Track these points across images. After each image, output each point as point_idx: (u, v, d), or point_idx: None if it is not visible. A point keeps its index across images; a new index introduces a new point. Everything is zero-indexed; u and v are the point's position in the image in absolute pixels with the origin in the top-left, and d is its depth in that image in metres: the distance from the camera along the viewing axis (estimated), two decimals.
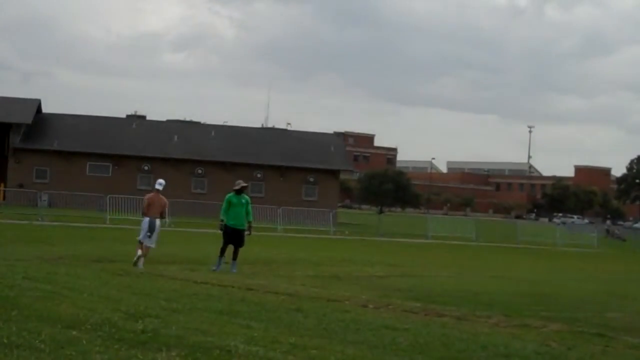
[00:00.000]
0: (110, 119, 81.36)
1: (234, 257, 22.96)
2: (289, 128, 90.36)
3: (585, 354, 11.82)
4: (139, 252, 22.56)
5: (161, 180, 24.17)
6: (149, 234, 22.92)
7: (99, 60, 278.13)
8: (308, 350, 10.06)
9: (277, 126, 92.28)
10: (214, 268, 22.37)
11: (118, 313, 11.85)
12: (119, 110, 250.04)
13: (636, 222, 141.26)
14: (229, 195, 23.34)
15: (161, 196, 23.88)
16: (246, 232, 23.42)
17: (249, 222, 23.48)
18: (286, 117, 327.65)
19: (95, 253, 25.65)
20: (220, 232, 23.28)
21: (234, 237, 23.00)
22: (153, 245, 23.15)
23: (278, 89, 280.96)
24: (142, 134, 77.92)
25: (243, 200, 23.33)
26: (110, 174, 73.31)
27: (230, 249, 23.03)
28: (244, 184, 23.72)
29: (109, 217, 49.96)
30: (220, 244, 23.14)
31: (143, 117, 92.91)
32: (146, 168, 73.89)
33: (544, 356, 11.37)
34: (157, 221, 23.41)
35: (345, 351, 10.21)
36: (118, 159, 73.92)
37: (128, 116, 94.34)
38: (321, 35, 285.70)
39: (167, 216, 23.60)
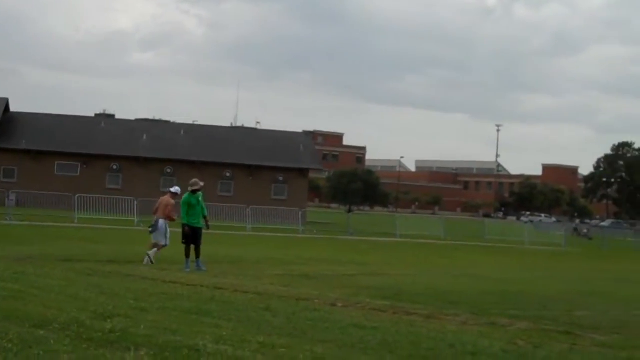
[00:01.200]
0: (78, 118, 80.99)
1: (198, 256, 23.12)
2: (258, 127, 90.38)
3: (552, 352, 11.87)
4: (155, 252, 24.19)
5: (177, 188, 25.20)
6: (150, 229, 24.73)
7: (67, 58, 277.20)
8: (277, 349, 10.08)
9: (246, 125, 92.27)
10: (187, 270, 22.39)
11: (86, 312, 11.83)
12: (88, 109, 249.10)
13: (603, 221, 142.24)
14: (186, 196, 23.51)
15: (169, 198, 24.71)
16: (205, 229, 23.72)
17: (205, 217, 23.73)
18: (255, 116, 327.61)
19: (64, 252, 25.54)
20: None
21: (194, 236, 23.18)
22: (162, 242, 24.50)
23: (247, 88, 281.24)
24: (110, 133, 77.57)
25: (200, 199, 23.57)
26: (78, 173, 72.93)
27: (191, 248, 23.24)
28: (202, 184, 23.91)
29: (77, 216, 49.74)
30: (183, 247, 23.31)
31: (112, 116, 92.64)
32: (115, 167, 73.65)
33: (512, 354, 11.41)
34: (160, 221, 24.47)
35: (314, 350, 10.23)
36: (87, 158, 73.55)
37: (97, 115, 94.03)
38: (290, 34, 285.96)
39: (175, 217, 24.47)
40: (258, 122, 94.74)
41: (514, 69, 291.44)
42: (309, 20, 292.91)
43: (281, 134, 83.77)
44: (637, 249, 64.24)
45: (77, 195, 52.00)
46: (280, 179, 76.99)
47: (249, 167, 76.05)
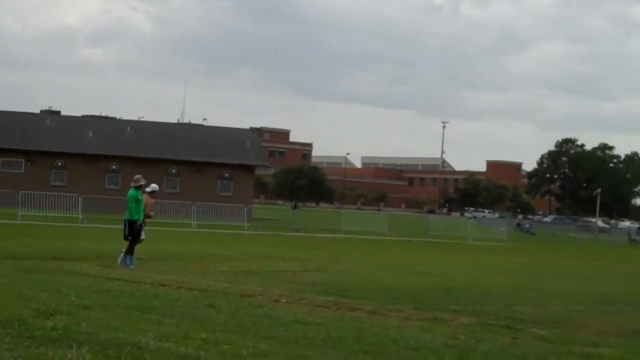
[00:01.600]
0: (23, 114, 79.94)
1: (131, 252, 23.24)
2: (204, 123, 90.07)
3: (494, 346, 12.03)
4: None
5: (155, 185, 25.71)
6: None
7: (14, 54, 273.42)
8: (220, 346, 10.12)
9: (193, 121, 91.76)
10: (132, 266, 22.35)
11: (28, 310, 11.76)
12: (34, 105, 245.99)
13: (545, 217, 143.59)
14: (134, 192, 23.47)
15: (147, 197, 24.87)
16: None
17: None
18: (202, 112, 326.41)
19: (7, 250, 25.28)
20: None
21: (139, 233, 23.28)
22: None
23: (195, 84, 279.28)
24: (56, 130, 76.77)
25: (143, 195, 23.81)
26: (22, 170, 72.15)
27: (125, 243, 23.30)
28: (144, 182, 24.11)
29: (21, 213, 49.29)
30: (126, 242, 23.31)
31: (57, 113, 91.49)
32: (60, 164, 73.00)
33: (453, 349, 11.52)
34: None
35: (257, 346, 10.28)
36: (31, 155, 72.78)
37: (42, 111, 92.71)
38: (238, 30, 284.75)
39: (152, 213, 24.94)
40: (205, 119, 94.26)
41: (461, 66, 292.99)
42: (256, 17, 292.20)
43: (228, 130, 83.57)
44: (579, 244, 65.04)
45: (20, 192, 51.53)
46: (226, 175, 76.83)
47: (195, 163, 75.78)
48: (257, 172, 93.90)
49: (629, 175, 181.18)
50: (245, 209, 58.61)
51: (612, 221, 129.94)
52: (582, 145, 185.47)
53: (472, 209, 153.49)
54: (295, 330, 11.98)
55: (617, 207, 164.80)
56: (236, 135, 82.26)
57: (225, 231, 48.84)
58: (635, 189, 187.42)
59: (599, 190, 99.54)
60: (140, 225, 23.48)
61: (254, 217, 64.78)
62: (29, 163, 72.72)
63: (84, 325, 10.78)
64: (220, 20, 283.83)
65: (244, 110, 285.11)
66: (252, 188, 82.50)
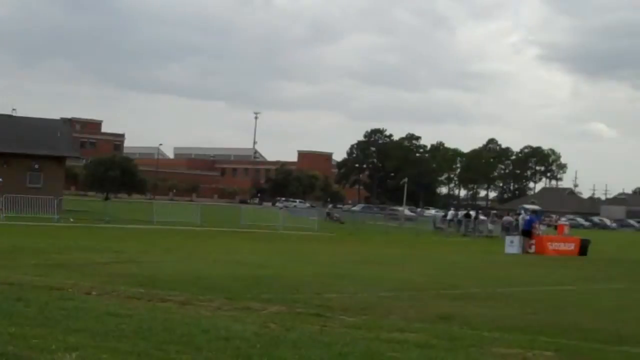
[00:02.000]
0: None
1: None
2: (14, 114, 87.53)
3: (303, 334, 12.26)
4: None
5: None
6: None
7: None
8: (28, 340, 10.05)
9: (1, 112, 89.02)
10: None
11: None
12: None
13: (354, 206, 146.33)
14: None
15: None
16: None
17: None
18: (12, 103, 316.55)
19: None
20: None
21: None
22: None
23: (3, 74, 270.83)
24: None
25: None
26: None
27: None
28: None
29: None
30: None
31: None
32: None
33: (264, 337, 11.72)
34: None
35: (67, 339, 10.25)
36: None
37: None
38: (48, 19, 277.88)
39: None
40: (14, 109, 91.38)
41: (273, 56, 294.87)
42: (68, 7, 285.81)
43: (38, 121, 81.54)
44: (386, 232, 66.61)
45: None
46: (36, 166, 75.01)
47: (3, 155, 73.70)
48: (68, 163, 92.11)
49: (434, 165, 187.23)
50: (56, 201, 57.52)
51: (418, 210, 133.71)
52: (390, 136, 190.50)
53: (283, 198, 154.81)
54: (106, 322, 11.99)
55: (423, 196, 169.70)
56: (46, 126, 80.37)
57: (35, 223, 47.83)
58: (440, 178, 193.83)
59: (406, 179, 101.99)
60: None
61: (64, 208, 63.63)
62: None
63: None
64: (30, 8, 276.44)
65: (55, 101, 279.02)
66: (63, 179, 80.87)
